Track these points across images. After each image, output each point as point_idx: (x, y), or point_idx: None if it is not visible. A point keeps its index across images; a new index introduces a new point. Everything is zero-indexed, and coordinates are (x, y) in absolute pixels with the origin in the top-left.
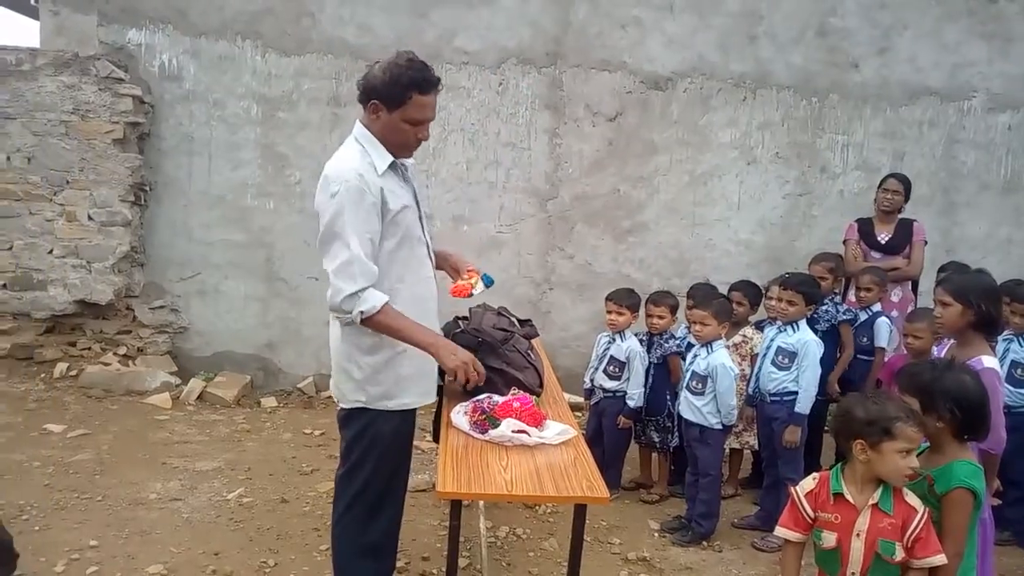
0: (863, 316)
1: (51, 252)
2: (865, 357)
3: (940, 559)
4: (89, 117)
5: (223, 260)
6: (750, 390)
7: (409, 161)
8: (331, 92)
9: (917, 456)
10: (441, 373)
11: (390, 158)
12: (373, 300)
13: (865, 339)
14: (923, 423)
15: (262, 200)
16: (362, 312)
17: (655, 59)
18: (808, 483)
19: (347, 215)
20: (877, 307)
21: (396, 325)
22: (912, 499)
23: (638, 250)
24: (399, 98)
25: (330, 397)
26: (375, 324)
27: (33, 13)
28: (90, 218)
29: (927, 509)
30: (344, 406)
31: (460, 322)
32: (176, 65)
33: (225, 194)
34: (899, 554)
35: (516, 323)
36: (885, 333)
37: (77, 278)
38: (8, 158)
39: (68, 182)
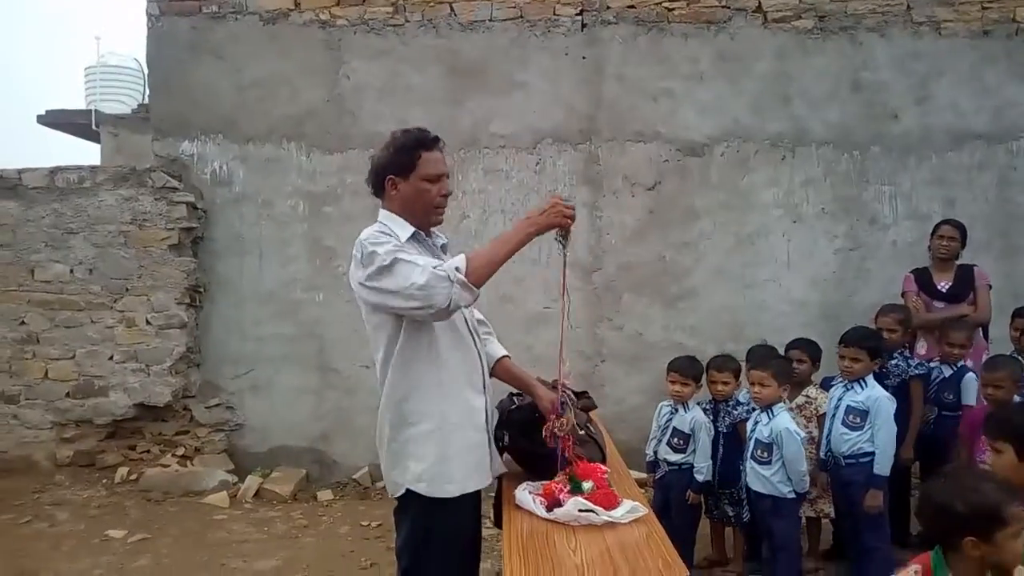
0: (947, 371)
1: (112, 358)
2: (950, 414)
3: None
4: (146, 226)
5: (276, 354)
6: (822, 454)
7: (441, 239)
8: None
9: None
10: (499, 448)
11: (411, 228)
12: (455, 259)
13: (951, 396)
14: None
15: (311, 293)
16: (458, 268)
17: (689, 127)
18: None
19: (380, 250)
20: (962, 361)
21: (490, 255)
22: None
23: (689, 316)
24: (409, 162)
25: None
26: (481, 276)
27: (95, 137)
28: (148, 322)
29: None
30: (394, 495)
31: (515, 398)
32: (226, 170)
33: (276, 289)
34: None
35: (572, 396)
36: (974, 390)
37: (136, 382)
38: (71, 271)
39: (127, 289)
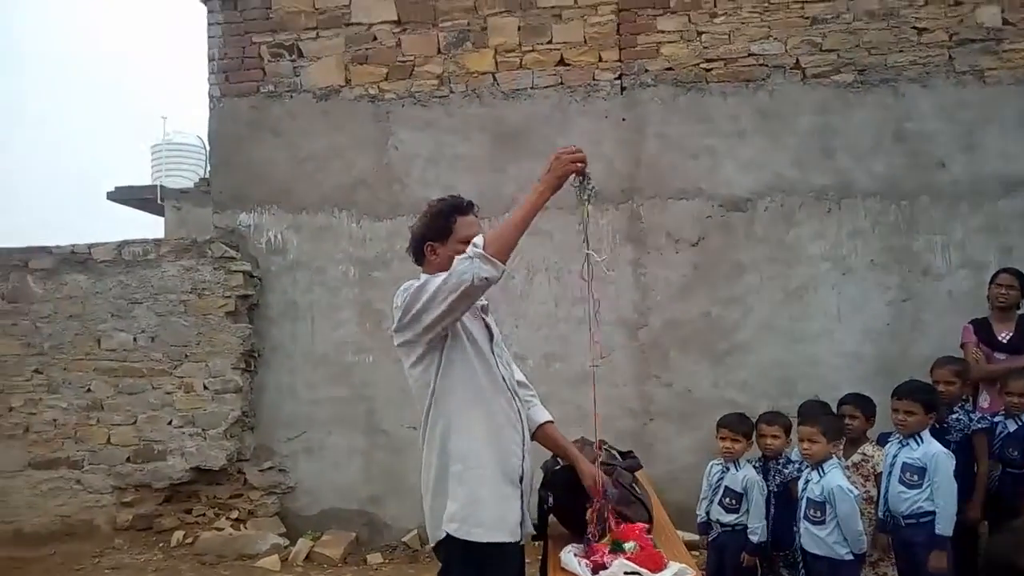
0: (1012, 426)
1: (170, 423)
2: (1015, 471)
3: None
4: (205, 294)
5: (327, 416)
6: (880, 514)
7: (482, 301)
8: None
9: None
10: (543, 510)
11: None
12: (469, 251)
13: (1015, 452)
14: None
15: (361, 355)
16: (477, 244)
17: (732, 183)
18: None
19: (421, 288)
20: None
21: (506, 225)
22: None
23: (739, 372)
24: (446, 227)
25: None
26: (500, 246)
27: (159, 211)
28: (205, 387)
29: None
30: (434, 541)
31: (558, 459)
32: (281, 239)
33: (327, 352)
34: None
35: (617, 456)
36: None
37: (193, 446)
38: (135, 339)
39: (187, 356)
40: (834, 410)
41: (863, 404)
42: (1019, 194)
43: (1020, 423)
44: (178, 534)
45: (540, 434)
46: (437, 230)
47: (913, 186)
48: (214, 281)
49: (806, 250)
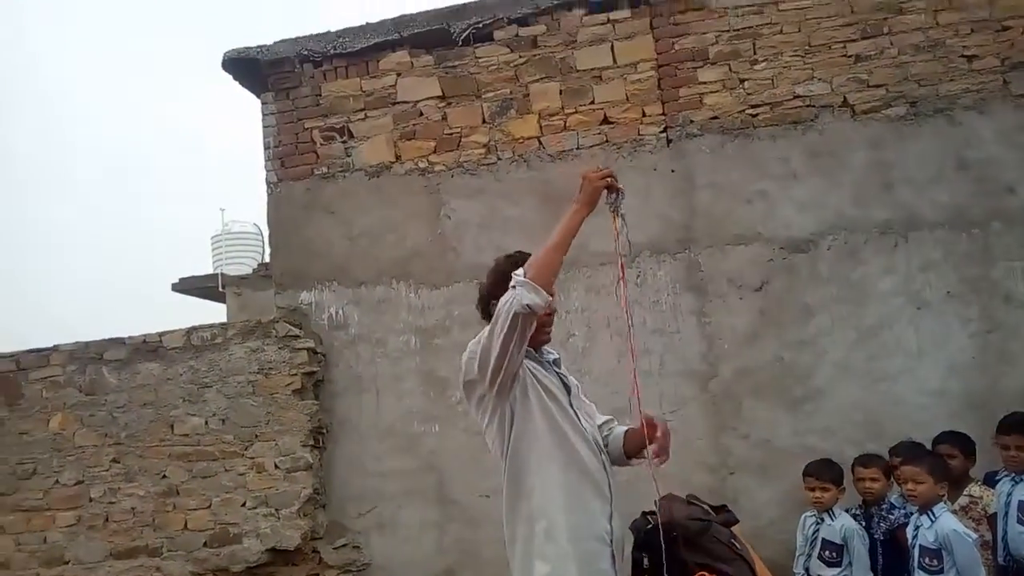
0: None
1: (244, 504)
2: None
3: None
4: (271, 374)
5: (397, 490)
6: (1000, 559)
7: (552, 355)
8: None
9: None
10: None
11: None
12: (519, 273)
13: None
14: None
15: (428, 424)
16: (519, 273)
17: (791, 224)
18: None
19: (474, 343)
20: None
21: (544, 250)
22: None
23: (818, 418)
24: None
25: None
26: (540, 272)
27: (220, 298)
28: (276, 466)
29: None
30: None
31: (649, 517)
32: (342, 314)
33: (393, 424)
34: None
35: (710, 510)
36: None
37: (267, 526)
38: (206, 422)
39: (256, 436)
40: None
41: (962, 442)
42: None
43: None
44: None
45: (628, 438)
46: (504, 287)
47: (982, 213)
48: (280, 360)
49: (876, 287)
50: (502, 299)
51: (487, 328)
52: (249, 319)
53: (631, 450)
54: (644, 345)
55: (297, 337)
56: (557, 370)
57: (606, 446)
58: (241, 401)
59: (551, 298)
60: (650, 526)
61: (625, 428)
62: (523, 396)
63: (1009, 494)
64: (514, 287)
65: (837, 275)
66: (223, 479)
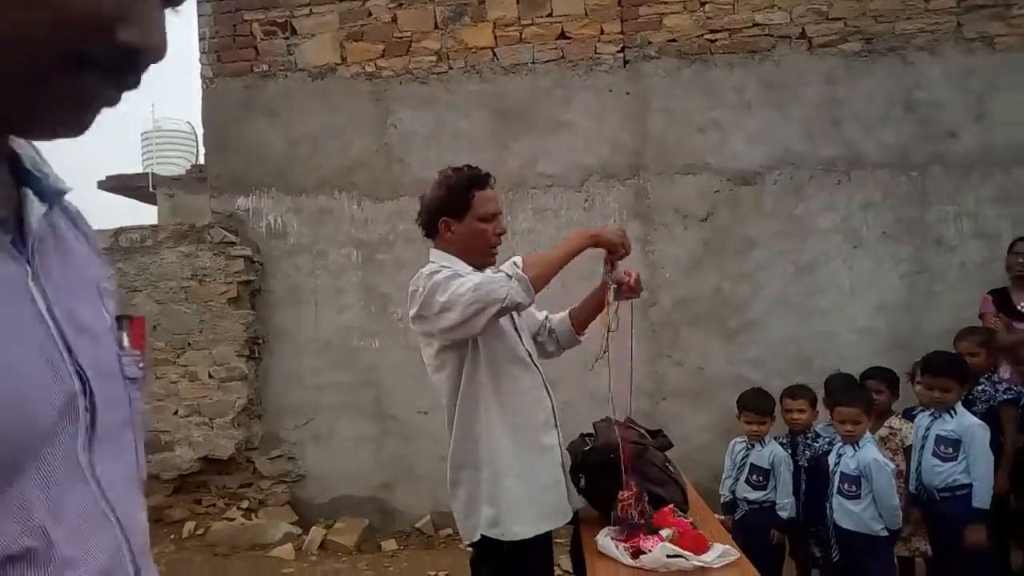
0: None
1: (176, 413)
2: None
3: None
4: (206, 281)
5: (334, 403)
6: (912, 488)
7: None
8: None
9: None
10: (580, 490)
11: (469, 268)
12: (508, 270)
13: None
14: None
15: (367, 340)
16: (516, 263)
17: (739, 156)
18: None
19: (435, 277)
20: None
21: (545, 256)
22: None
23: (751, 349)
24: (464, 202)
25: (450, 535)
26: (537, 276)
27: (151, 199)
28: (210, 376)
29: None
30: (468, 541)
31: (587, 439)
32: (281, 223)
33: (332, 338)
34: None
35: (647, 435)
36: None
37: (200, 436)
38: None
39: (189, 344)
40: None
41: (889, 378)
42: None
43: None
44: (189, 525)
45: (573, 319)
46: (454, 205)
47: (923, 156)
48: (215, 267)
49: (816, 223)
50: (488, 276)
51: (456, 281)
52: (182, 223)
53: (580, 321)
54: (588, 270)
55: (233, 244)
56: None
57: (551, 334)
58: (173, 308)
59: (532, 303)
60: (587, 448)
61: (568, 309)
62: (474, 345)
63: (927, 428)
64: (511, 278)
65: (780, 210)
66: (154, 386)
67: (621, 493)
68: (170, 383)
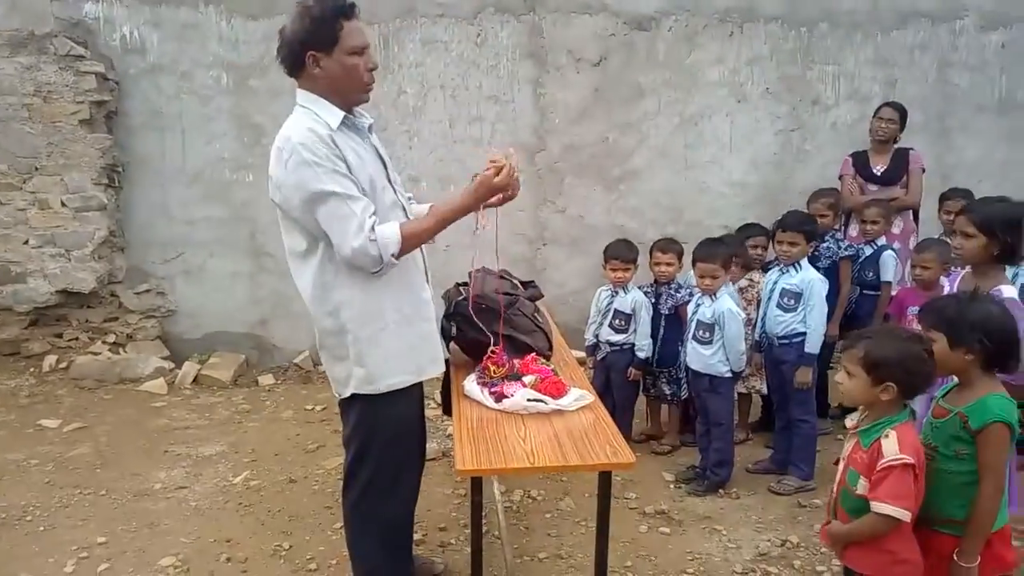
0: (868, 251)
1: (27, 243)
2: (871, 292)
3: (888, 508)
4: (52, 98)
5: (207, 238)
6: (756, 335)
7: (366, 120)
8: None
9: (944, 395)
10: (445, 339)
11: (341, 113)
12: (389, 235)
13: (871, 274)
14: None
15: (241, 173)
16: (393, 254)
17: None
18: None
19: (310, 171)
20: (882, 240)
21: (426, 231)
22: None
23: (630, 199)
24: (330, 34)
25: None
26: (410, 248)
27: None
28: (64, 204)
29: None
30: (341, 395)
31: (461, 288)
32: (138, 37)
33: (202, 169)
34: (861, 488)
35: (519, 286)
36: (891, 267)
37: (57, 267)
38: None
39: (37, 168)
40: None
41: (767, 235)
42: (910, 26)
43: (875, 248)
44: (50, 359)
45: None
46: (320, 37)
47: (814, 12)
48: (61, 83)
49: (705, 75)
50: (365, 245)
51: (324, 184)
52: (19, 28)
53: None
54: (478, 111)
55: (82, 58)
56: (371, 138)
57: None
58: (15, 127)
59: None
60: (461, 297)
61: (429, 206)
62: None
63: (775, 282)
64: (381, 260)
65: (672, 59)
66: None
67: (490, 351)
68: (17, 210)
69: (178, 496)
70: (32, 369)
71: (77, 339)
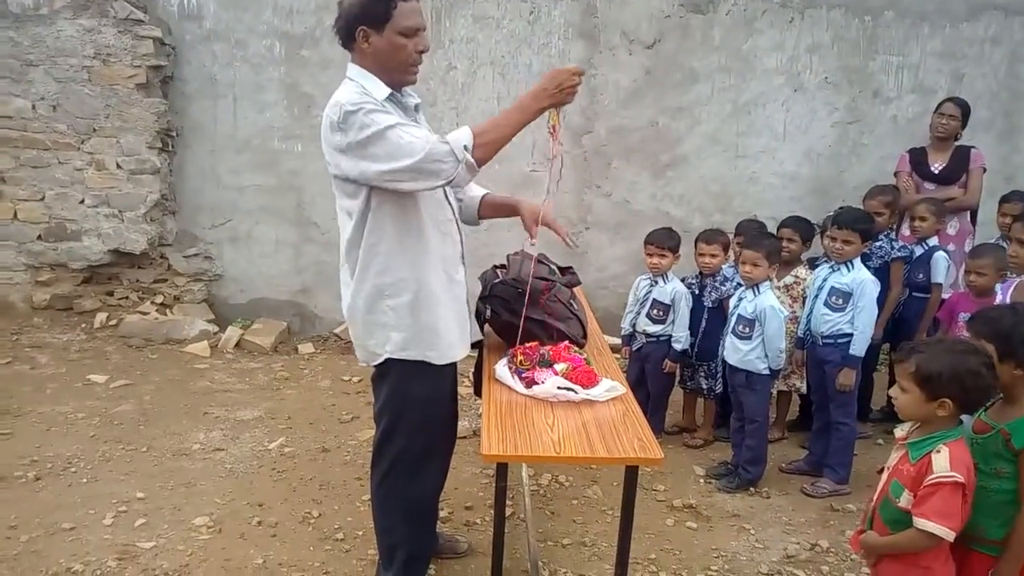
0: (919, 251)
1: (83, 202)
2: (920, 295)
3: (931, 526)
4: (111, 62)
5: (254, 205)
6: (800, 332)
7: (414, 100)
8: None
9: (987, 409)
10: (480, 321)
11: (387, 90)
12: (459, 132)
13: (921, 275)
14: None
15: (290, 143)
16: (466, 146)
17: None
18: None
19: (366, 117)
20: (934, 240)
21: (496, 126)
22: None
23: (677, 185)
24: (384, 12)
25: None
26: (487, 155)
27: None
28: (119, 166)
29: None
30: (372, 363)
31: (498, 271)
32: (195, 4)
33: (252, 138)
34: (904, 501)
35: (557, 271)
36: (943, 268)
37: (110, 227)
38: (33, 106)
39: (95, 130)
40: (772, 231)
41: (803, 228)
42: (982, 18)
43: (926, 248)
44: (101, 316)
45: (483, 205)
46: (373, 15)
47: (880, 0)
48: (120, 46)
49: (762, 62)
50: (435, 146)
51: (393, 132)
52: None
53: (486, 215)
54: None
55: (140, 22)
56: (417, 119)
57: (459, 200)
58: (75, 88)
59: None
60: (497, 280)
61: (483, 192)
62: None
63: (824, 279)
64: (456, 159)
65: (728, 43)
66: (56, 172)
67: (526, 345)
68: (75, 170)
69: (215, 458)
70: (84, 325)
71: (127, 298)
